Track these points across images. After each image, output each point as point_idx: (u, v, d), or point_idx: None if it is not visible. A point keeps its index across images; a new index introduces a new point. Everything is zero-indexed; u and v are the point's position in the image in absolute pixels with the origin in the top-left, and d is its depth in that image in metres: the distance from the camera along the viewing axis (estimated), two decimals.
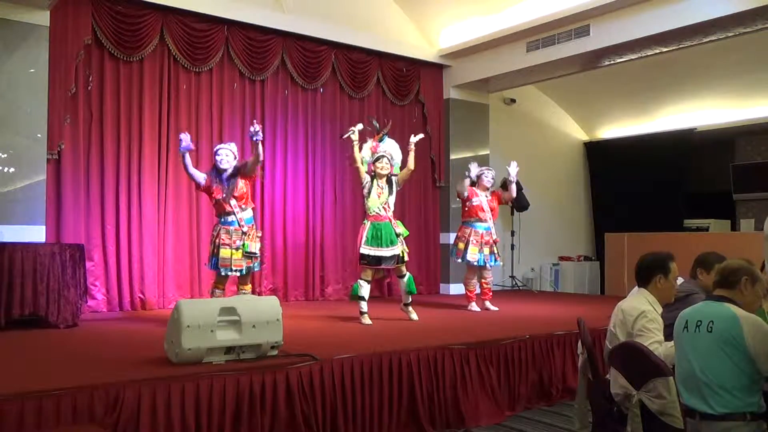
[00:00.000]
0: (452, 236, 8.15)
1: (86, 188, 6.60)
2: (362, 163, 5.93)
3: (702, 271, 3.61)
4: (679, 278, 3.33)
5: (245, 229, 5.46)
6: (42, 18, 6.13)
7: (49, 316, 5.27)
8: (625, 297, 3.34)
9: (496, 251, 6.77)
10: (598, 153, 11.35)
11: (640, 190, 10.11)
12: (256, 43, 7.61)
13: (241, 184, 5.51)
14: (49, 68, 6.20)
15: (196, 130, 7.21)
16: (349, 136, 5.98)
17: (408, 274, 5.98)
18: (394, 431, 4.08)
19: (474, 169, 6.82)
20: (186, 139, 5.39)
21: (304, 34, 7.88)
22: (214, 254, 5.44)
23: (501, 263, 7.20)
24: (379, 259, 5.75)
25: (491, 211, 6.80)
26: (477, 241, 6.65)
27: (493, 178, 6.96)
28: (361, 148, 5.99)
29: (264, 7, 7.57)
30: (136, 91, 6.89)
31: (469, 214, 6.79)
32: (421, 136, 6.20)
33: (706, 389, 2.55)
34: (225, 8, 7.26)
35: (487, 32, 8.36)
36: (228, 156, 5.49)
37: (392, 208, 5.93)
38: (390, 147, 6.04)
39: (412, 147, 6.02)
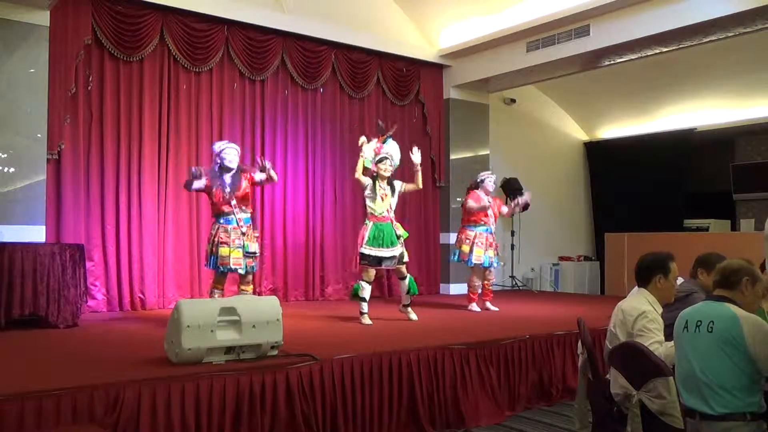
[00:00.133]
0: (452, 236, 8.17)
1: (86, 188, 6.60)
2: (363, 165, 5.90)
3: (703, 271, 3.61)
4: (679, 278, 3.33)
5: (243, 229, 5.46)
6: (42, 18, 6.13)
7: (49, 316, 5.27)
8: (625, 297, 3.34)
9: (498, 253, 6.87)
10: (598, 153, 11.34)
11: (640, 190, 10.11)
12: (256, 43, 7.61)
13: (245, 184, 5.53)
14: (49, 68, 6.20)
15: (196, 130, 7.22)
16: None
17: (408, 275, 5.98)
18: (394, 431, 4.08)
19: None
20: (198, 179, 5.40)
21: (304, 34, 7.88)
22: (213, 253, 5.43)
23: (502, 264, 7.23)
24: (379, 260, 5.75)
25: (494, 216, 6.87)
26: (482, 243, 6.68)
27: (494, 182, 7.03)
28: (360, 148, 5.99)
29: (264, 7, 7.57)
30: (136, 91, 6.89)
31: (475, 219, 6.80)
32: (419, 153, 6.02)
33: (706, 389, 2.55)
34: (225, 8, 7.27)
35: (487, 32, 8.36)
36: (235, 155, 5.54)
37: (393, 209, 5.94)
38: (392, 149, 6.04)
39: (419, 168, 6.00)
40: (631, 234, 9.19)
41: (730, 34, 6.92)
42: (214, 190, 5.46)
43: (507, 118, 10.21)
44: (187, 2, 7.00)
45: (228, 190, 5.43)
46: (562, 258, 10.75)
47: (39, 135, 6.16)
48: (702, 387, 2.57)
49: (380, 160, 5.85)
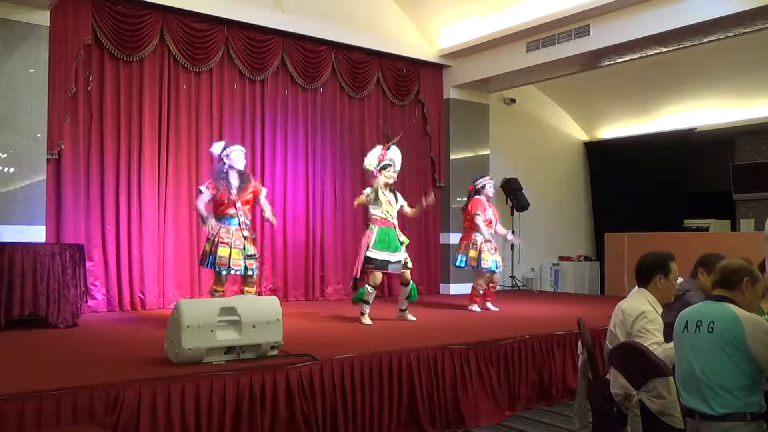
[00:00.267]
0: (452, 236, 8.17)
1: (86, 188, 6.60)
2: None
3: (703, 271, 3.61)
4: (679, 278, 3.33)
5: (246, 233, 5.46)
6: (42, 18, 6.13)
7: (49, 316, 5.27)
8: (625, 297, 3.34)
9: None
10: (598, 153, 11.35)
11: (640, 190, 10.11)
12: (256, 43, 7.61)
13: (250, 191, 5.59)
14: (49, 68, 6.20)
15: (196, 130, 7.22)
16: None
17: (411, 282, 5.98)
18: (394, 431, 4.09)
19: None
20: (211, 222, 5.39)
21: (304, 34, 7.88)
22: (211, 253, 5.38)
23: (503, 266, 7.29)
24: (386, 263, 5.73)
25: (495, 220, 6.93)
26: (489, 249, 6.69)
27: (493, 187, 7.08)
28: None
29: (264, 7, 7.57)
30: (136, 91, 6.88)
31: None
32: (432, 199, 6.13)
33: (707, 389, 2.55)
34: (225, 8, 7.26)
35: (487, 32, 8.36)
36: (243, 157, 5.58)
37: (395, 217, 5.95)
38: (394, 154, 6.04)
39: (424, 207, 6.11)
40: (631, 234, 9.19)
41: (730, 34, 6.92)
42: (219, 191, 5.44)
43: (507, 118, 10.21)
44: (187, 2, 7.00)
45: (233, 190, 5.43)
46: (562, 258, 10.75)
47: (39, 135, 6.16)
48: (702, 387, 2.56)
49: (384, 167, 5.85)
